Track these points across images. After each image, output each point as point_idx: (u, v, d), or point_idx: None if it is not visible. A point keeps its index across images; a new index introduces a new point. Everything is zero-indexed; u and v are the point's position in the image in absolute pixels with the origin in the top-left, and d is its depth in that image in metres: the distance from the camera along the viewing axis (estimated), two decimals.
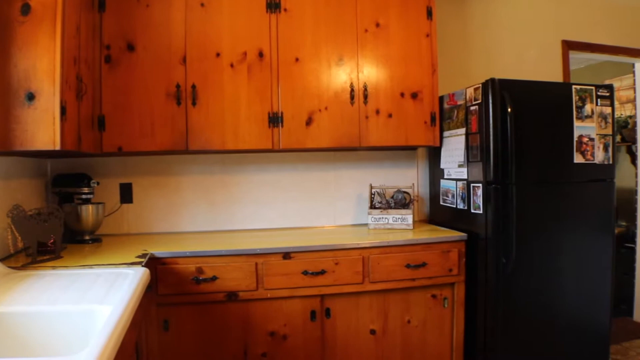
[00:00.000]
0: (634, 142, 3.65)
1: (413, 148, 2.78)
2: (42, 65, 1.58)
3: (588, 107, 2.31)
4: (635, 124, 3.60)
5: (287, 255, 2.04)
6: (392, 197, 2.60)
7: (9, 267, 1.63)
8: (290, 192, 2.68)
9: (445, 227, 2.50)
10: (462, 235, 2.25)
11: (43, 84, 1.58)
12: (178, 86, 2.21)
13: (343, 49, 2.38)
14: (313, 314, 2.08)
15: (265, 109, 2.29)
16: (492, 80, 2.16)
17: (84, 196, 2.20)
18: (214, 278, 1.96)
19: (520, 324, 2.22)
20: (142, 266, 1.66)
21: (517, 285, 2.20)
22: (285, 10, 2.32)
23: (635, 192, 3.48)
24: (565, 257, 2.27)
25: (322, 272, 2.06)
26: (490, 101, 2.17)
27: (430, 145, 2.52)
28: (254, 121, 2.28)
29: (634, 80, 3.55)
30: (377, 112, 2.42)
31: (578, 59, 3.88)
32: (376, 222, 2.50)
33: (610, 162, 2.36)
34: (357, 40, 2.40)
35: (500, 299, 2.18)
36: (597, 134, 2.33)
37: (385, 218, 2.49)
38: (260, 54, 2.29)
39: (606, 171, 2.36)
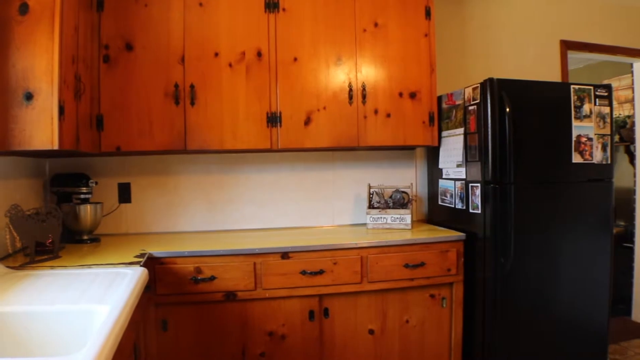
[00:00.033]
0: (632, 141, 3.65)
1: (411, 148, 2.78)
2: (40, 65, 1.58)
3: (586, 107, 2.32)
4: (633, 123, 3.60)
5: (285, 255, 2.04)
6: (391, 197, 2.60)
7: (7, 267, 1.62)
8: (289, 192, 2.68)
9: (444, 227, 2.50)
10: (460, 235, 2.26)
11: (41, 84, 1.58)
12: (176, 86, 2.21)
13: (341, 48, 2.39)
14: (311, 314, 2.08)
15: (263, 108, 2.29)
16: (491, 80, 2.17)
17: (82, 196, 2.20)
18: (212, 278, 1.96)
19: (519, 323, 2.23)
20: (141, 266, 1.66)
21: (515, 285, 2.20)
22: (283, 10, 2.32)
23: (634, 191, 3.48)
24: (564, 257, 2.27)
25: (321, 272, 2.06)
26: (489, 101, 2.17)
27: (429, 145, 2.52)
28: (252, 121, 2.28)
29: (633, 80, 3.55)
30: (376, 111, 2.42)
31: (576, 58, 3.90)
32: (375, 222, 2.50)
33: (609, 161, 2.37)
34: (356, 40, 2.40)
35: (499, 299, 2.19)
36: (595, 134, 2.34)
37: (384, 218, 2.49)
38: (259, 54, 2.29)
39: (604, 171, 2.36)
